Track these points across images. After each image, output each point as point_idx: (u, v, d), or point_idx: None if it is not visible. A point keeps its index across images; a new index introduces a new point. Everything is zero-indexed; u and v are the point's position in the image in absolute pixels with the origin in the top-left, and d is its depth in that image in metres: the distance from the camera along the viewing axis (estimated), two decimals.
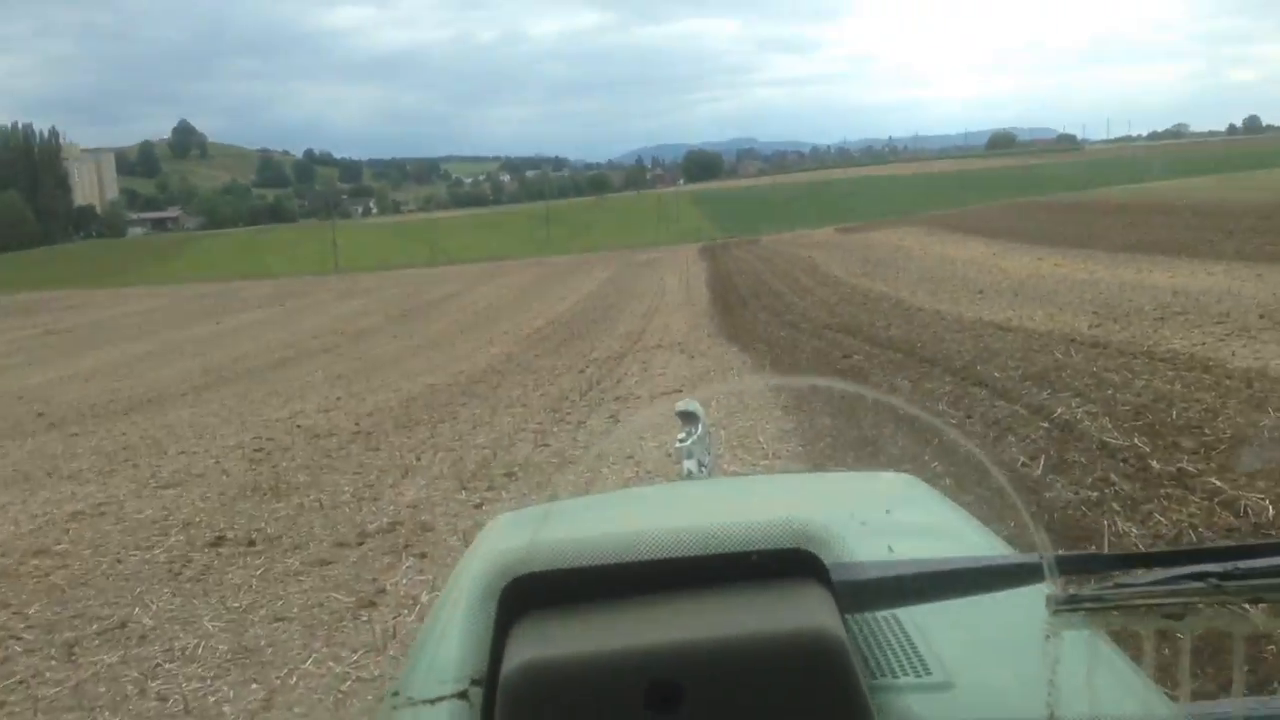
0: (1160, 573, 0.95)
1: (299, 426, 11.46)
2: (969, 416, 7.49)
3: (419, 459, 8.56)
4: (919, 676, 1.11)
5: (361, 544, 6.20)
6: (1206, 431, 5.92)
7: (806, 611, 0.93)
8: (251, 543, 6.40)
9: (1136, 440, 5.93)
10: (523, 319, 25.94)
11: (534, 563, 1.02)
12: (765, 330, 17.11)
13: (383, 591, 5.31)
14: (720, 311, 21.77)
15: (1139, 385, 7.54)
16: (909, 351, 11.57)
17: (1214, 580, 0.90)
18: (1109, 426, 6.31)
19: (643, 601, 0.98)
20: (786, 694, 0.87)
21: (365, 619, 4.94)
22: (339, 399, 14.49)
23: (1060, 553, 0.98)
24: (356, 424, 11.16)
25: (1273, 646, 3.35)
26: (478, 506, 6.68)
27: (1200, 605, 0.91)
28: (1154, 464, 5.47)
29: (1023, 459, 6.05)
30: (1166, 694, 1.07)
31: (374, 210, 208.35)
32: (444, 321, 27.83)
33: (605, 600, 0.99)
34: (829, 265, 29.51)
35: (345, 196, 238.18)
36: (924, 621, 1.19)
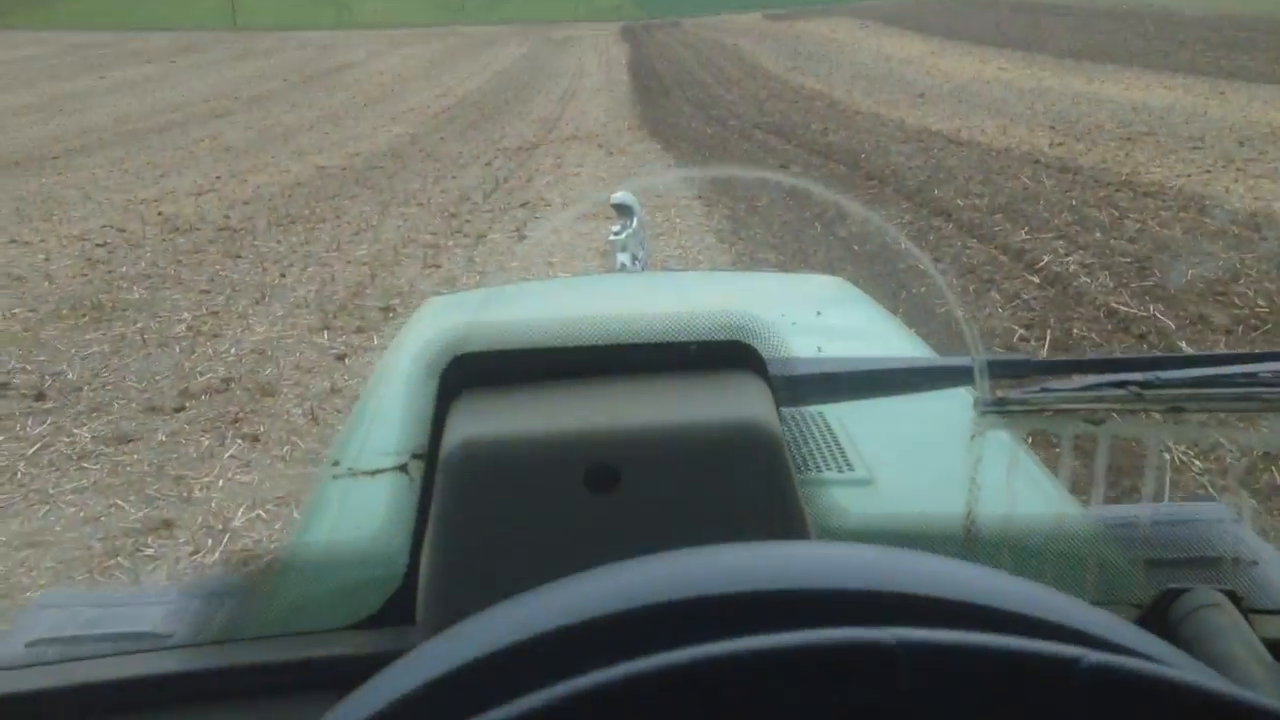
0: (1084, 379, 0.97)
1: (160, 214, 9.94)
2: (938, 259, 6.36)
3: (283, 275, 7.19)
4: (842, 472, 1.18)
5: (180, 410, 4.83)
6: (1237, 301, 4.92)
7: (744, 402, 0.93)
8: (40, 395, 5.04)
9: (1154, 310, 4.92)
10: (431, 95, 23.98)
11: (476, 342, 0.99)
12: (690, 126, 15.70)
13: (187, 500, 3.99)
14: (641, 100, 20.14)
15: (1131, 228, 6.51)
16: (852, 164, 10.38)
17: (1135, 389, 0.91)
18: (1111, 286, 5.31)
19: (584, 385, 0.97)
20: (722, 481, 0.87)
21: (151, 550, 3.64)
22: (218, 178, 12.96)
23: (990, 356, 0.99)
24: (226, 216, 9.68)
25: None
26: (339, 358, 5.39)
27: (1120, 411, 0.92)
28: (1185, 348, 4.42)
29: (1019, 329, 5.00)
30: (1080, 499, 1.13)
31: None
32: (347, 92, 25.61)
33: (546, 382, 0.97)
34: (756, 55, 27.71)
35: None
36: (850, 421, 1.24)
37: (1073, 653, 0.42)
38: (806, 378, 1.02)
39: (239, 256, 7.90)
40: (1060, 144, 10.72)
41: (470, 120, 19.07)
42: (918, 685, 0.42)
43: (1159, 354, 1.66)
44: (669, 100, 19.73)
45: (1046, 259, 5.93)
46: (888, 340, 1.71)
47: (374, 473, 1.03)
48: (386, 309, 6.36)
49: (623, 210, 3.40)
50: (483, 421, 0.91)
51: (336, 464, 1.20)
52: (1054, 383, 0.98)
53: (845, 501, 1.02)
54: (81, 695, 0.87)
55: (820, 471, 1.14)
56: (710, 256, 7.17)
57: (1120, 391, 0.92)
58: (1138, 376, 0.93)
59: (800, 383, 1.01)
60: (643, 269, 3.47)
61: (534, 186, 10.94)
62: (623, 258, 3.37)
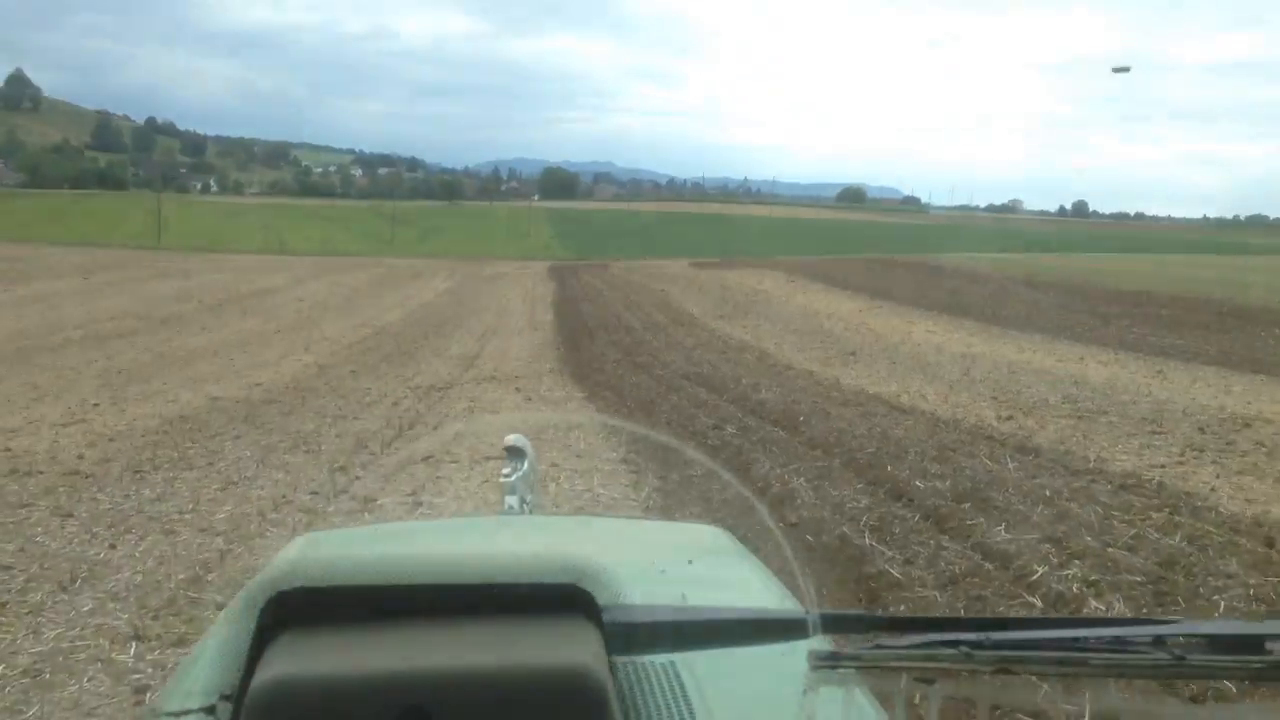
0: (917, 637, 0.98)
1: (8, 450, 8.71)
2: (909, 561, 5.33)
3: (113, 546, 5.87)
4: None
5: None
6: None
7: (570, 648, 0.91)
8: None
9: None
10: (348, 325, 23.30)
11: (299, 578, 0.96)
12: (615, 372, 14.99)
13: None
14: (565, 342, 19.57)
15: (1125, 533, 5.61)
16: (792, 428, 9.56)
17: (966, 648, 0.93)
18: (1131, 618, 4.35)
19: (407, 626, 0.94)
20: None
21: None
22: (95, 405, 11.92)
23: (825, 611, 1.04)
24: (80, 456, 8.46)
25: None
26: (139, 691, 3.98)
27: (950, 670, 0.93)
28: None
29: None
30: None
31: (214, 189, 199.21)
32: (262, 317, 24.85)
33: (369, 622, 0.95)
34: (684, 302, 27.66)
35: (185, 170, 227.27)
36: (703, 673, 1.21)
37: None
38: (642, 625, 1.00)
39: (70, 515, 6.59)
40: (1008, 417, 10.07)
41: (385, 353, 18.26)
42: None
43: (990, 616, 1.43)
44: (593, 344, 19.16)
45: (1040, 571, 4.96)
46: (756, 591, 1.67)
47: (179, 714, 0.97)
48: (220, 602, 4.92)
49: (514, 453, 3.39)
50: (296, 661, 0.87)
51: (153, 711, 1.07)
52: (887, 639, 1.00)
53: None
54: None
55: None
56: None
57: (951, 651, 0.93)
58: (969, 636, 0.95)
59: (635, 630, 1.00)
60: (530, 511, 3.42)
61: (441, 435, 9.93)
62: (510, 500, 3.31)
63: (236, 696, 0.90)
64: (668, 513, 7.02)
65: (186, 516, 6.55)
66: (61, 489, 7.19)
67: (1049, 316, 21.15)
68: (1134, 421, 9.72)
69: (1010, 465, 7.52)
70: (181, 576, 5.28)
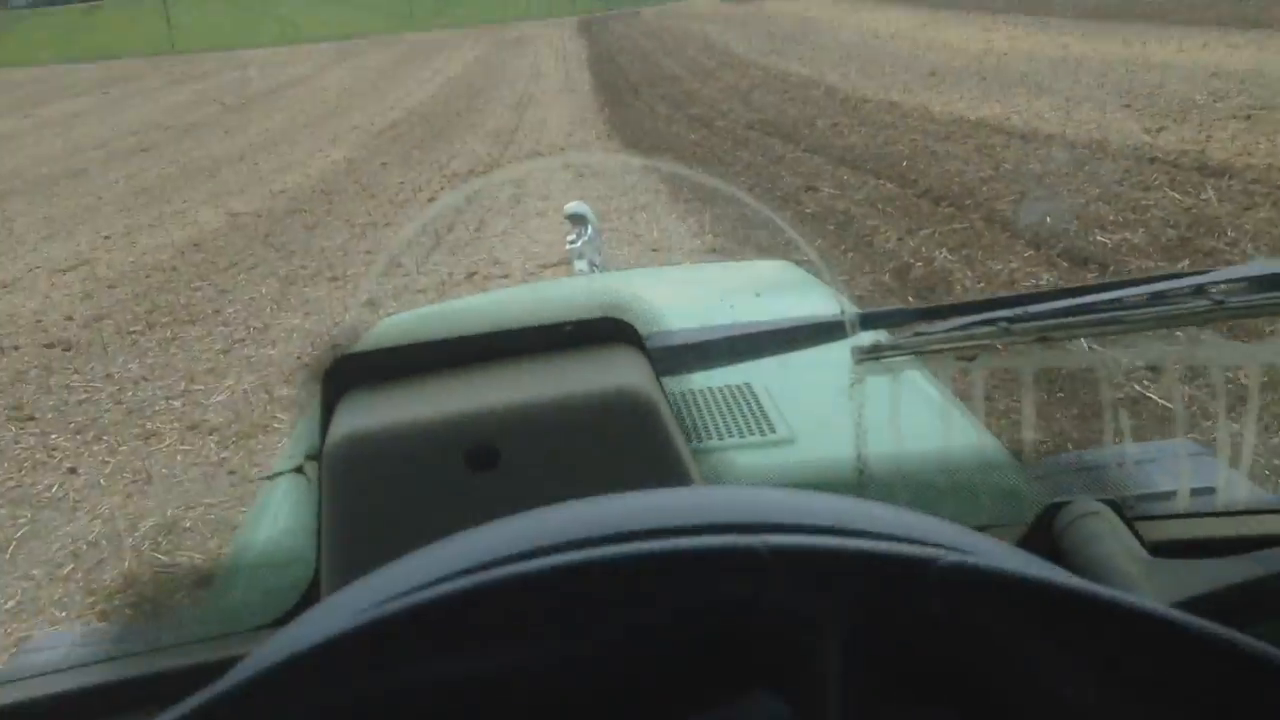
0: (956, 320, 1.00)
1: None
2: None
3: (73, 471, 4.45)
4: (744, 436, 1.24)
5: None
6: None
7: (618, 372, 0.95)
8: None
9: None
10: (376, 110, 21.51)
11: (355, 342, 1.02)
12: (670, 131, 13.32)
13: None
14: (609, 102, 17.73)
15: None
16: (900, 178, 7.98)
17: (1004, 324, 0.95)
18: None
19: (463, 373, 0.98)
20: (598, 449, 0.90)
21: None
22: (106, 239, 10.71)
23: (866, 310, 1.05)
24: (69, 316, 7.15)
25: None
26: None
27: (992, 346, 0.96)
28: None
29: None
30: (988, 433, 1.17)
31: None
32: (287, 113, 23.07)
33: (426, 375, 0.99)
34: (727, 41, 25.27)
35: None
36: (755, 381, 1.32)
37: (930, 553, 0.44)
38: (684, 347, 1.05)
39: (30, 419, 5.16)
40: (1159, 129, 8.34)
41: (416, 139, 16.65)
42: (784, 587, 0.45)
43: (1029, 291, 1.08)
44: (639, 100, 17.31)
45: None
46: (822, 311, 1.40)
47: (271, 477, 1.19)
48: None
49: (577, 220, 3.39)
50: (363, 416, 0.92)
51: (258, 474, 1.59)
52: (925, 326, 1.02)
53: (743, 461, 1.17)
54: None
55: (721, 438, 1.18)
56: None
57: (989, 328, 0.95)
58: (1006, 313, 0.96)
59: (679, 353, 1.04)
60: (601, 274, 3.33)
61: (485, 237, 8.51)
62: (580, 265, 3.32)
63: (318, 455, 0.92)
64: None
65: (175, 404, 5.20)
66: (34, 372, 5.91)
67: (1140, 2, 18.71)
68: None
69: (1209, 193, 5.94)
70: (151, 524, 3.89)
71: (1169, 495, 1.02)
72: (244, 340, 6.12)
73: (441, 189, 11.59)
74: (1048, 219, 5.95)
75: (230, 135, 19.91)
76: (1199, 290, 0.93)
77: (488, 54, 34.70)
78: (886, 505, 0.52)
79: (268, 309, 6.77)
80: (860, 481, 1.00)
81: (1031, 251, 5.46)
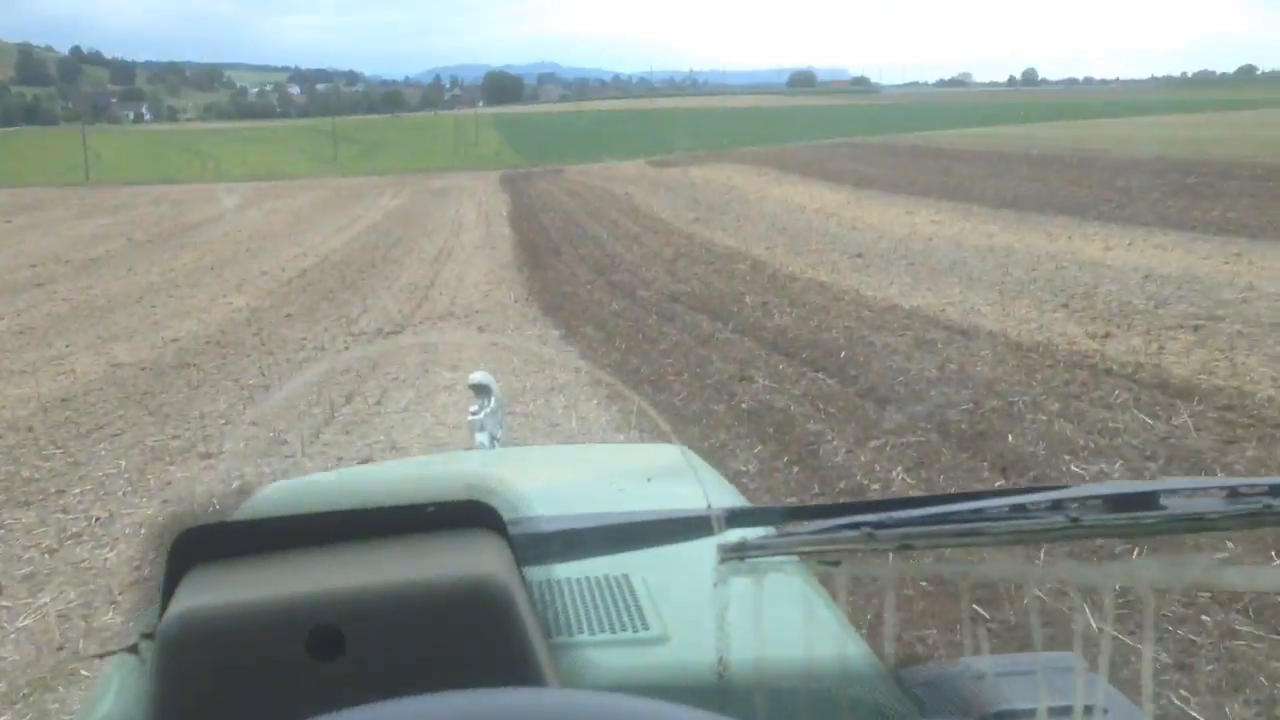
0: (821, 523, 0.99)
1: None
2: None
3: None
4: (613, 632, 1.20)
5: None
6: None
7: (474, 559, 0.92)
8: None
9: None
10: (289, 254, 20.94)
11: (205, 514, 0.99)
12: (591, 297, 12.82)
13: None
14: (528, 262, 17.31)
15: None
16: (838, 371, 7.46)
17: (868, 529, 0.94)
18: None
19: (314, 553, 0.94)
20: (449, 640, 0.86)
21: None
22: None
23: (732, 507, 1.07)
24: None
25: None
26: None
27: (855, 552, 0.94)
28: None
29: None
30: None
31: (147, 117, 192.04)
32: (196, 252, 22.35)
33: (275, 551, 0.94)
34: (651, 205, 25.30)
35: (115, 100, 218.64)
36: (619, 576, 1.29)
37: None
38: (549, 535, 1.03)
39: None
40: (1105, 335, 7.99)
41: (326, 288, 15.98)
42: None
43: (892, 498, 1.21)
44: (560, 261, 16.91)
45: None
46: (709, 501, 1.36)
47: (102, 655, 1.01)
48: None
49: (480, 390, 3.37)
50: (203, 594, 0.88)
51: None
52: (792, 527, 1.02)
53: (607, 660, 1.12)
54: None
55: (592, 632, 1.16)
56: None
57: (854, 533, 0.94)
58: (871, 517, 0.96)
59: (545, 540, 1.02)
60: (498, 447, 3.32)
61: (386, 411, 7.73)
62: (480, 437, 3.31)
63: (155, 633, 0.88)
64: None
65: None
66: None
67: (1063, 195, 19.07)
68: (1265, 328, 7.69)
69: (1184, 417, 5.45)
70: None
71: (1029, 713, 1.02)
72: (80, 535, 5.14)
73: (345, 348, 10.85)
74: (1009, 437, 5.41)
75: (133, 273, 19.03)
76: (1057, 505, 0.96)
77: (409, 203, 34.49)
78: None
79: (120, 492, 5.85)
80: (720, 686, 0.99)
81: (1000, 480, 4.87)
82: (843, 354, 7.89)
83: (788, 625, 1.14)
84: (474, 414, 3.43)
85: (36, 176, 63.83)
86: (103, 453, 6.78)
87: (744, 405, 6.57)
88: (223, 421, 7.64)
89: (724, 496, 1.74)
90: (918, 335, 8.45)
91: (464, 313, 12.89)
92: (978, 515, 0.96)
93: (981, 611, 3.61)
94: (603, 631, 1.20)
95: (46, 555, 4.85)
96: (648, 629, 1.22)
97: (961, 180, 23.46)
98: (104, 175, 64.58)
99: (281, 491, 1.89)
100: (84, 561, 4.71)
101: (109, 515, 5.37)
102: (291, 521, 0.96)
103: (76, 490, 5.90)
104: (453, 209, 30.26)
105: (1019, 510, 0.97)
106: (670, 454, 2.21)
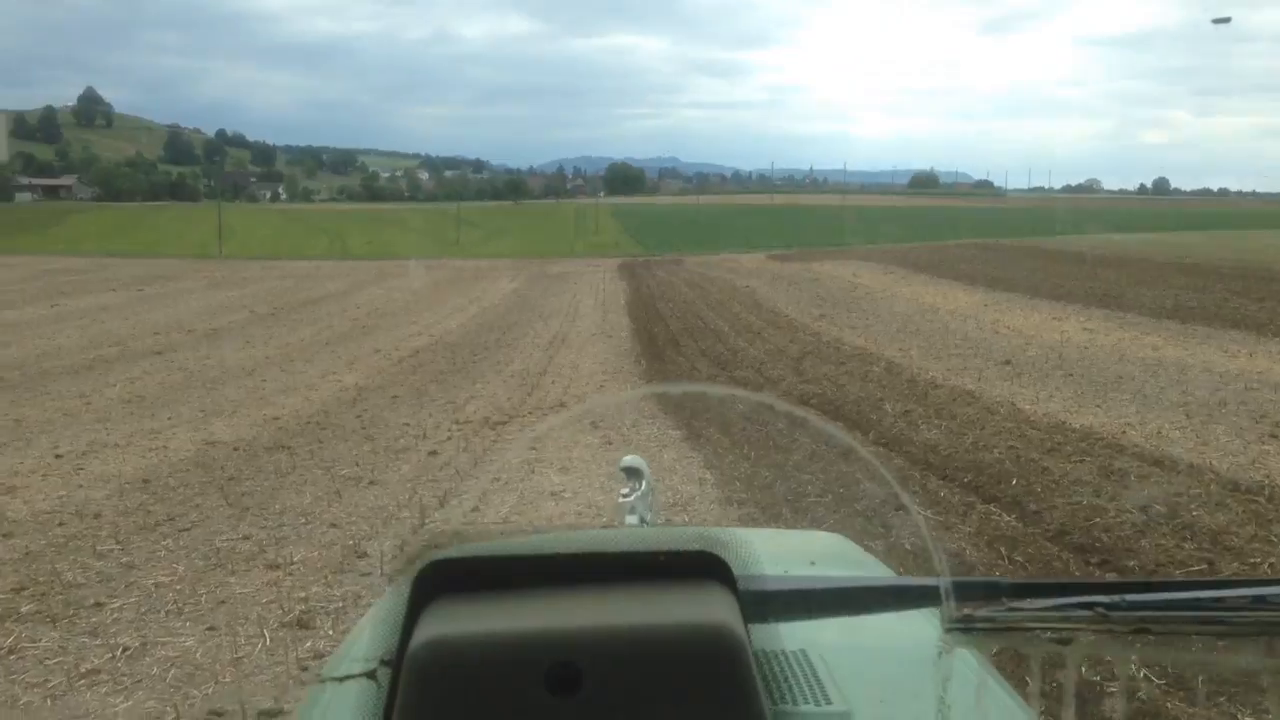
0: (1051, 600, 0.97)
1: None
2: None
3: None
4: (819, 705, 1.15)
5: None
6: None
7: (709, 609, 0.93)
8: None
9: None
10: (404, 334, 20.55)
11: (451, 548, 1.00)
12: (715, 399, 11.82)
13: None
14: (646, 352, 16.46)
15: None
16: (1016, 507, 6.30)
17: (1101, 609, 0.92)
18: None
19: (551, 592, 0.96)
20: (683, 684, 0.87)
21: None
22: (58, 457, 9.47)
23: (958, 578, 0.99)
24: None
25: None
26: None
27: (1086, 632, 0.92)
28: None
29: None
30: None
31: (283, 196, 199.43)
32: (315, 327, 22.22)
33: (518, 589, 0.97)
34: (774, 300, 24.33)
35: (254, 180, 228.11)
36: (829, 653, 1.23)
37: None
38: (775, 594, 1.02)
39: None
40: None
41: (437, 370, 15.36)
42: None
43: (1126, 579, 1.42)
44: (679, 354, 16.00)
45: None
46: None
47: (342, 679, 1.04)
48: None
49: (632, 473, 3.31)
50: (448, 624, 0.91)
51: (319, 676, 1.23)
52: (1020, 603, 0.99)
53: None
54: None
55: (796, 704, 1.13)
56: None
57: (1086, 612, 0.92)
58: (1103, 599, 0.93)
59: (769, 598, 1.01)
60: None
61: (487, 516, 6.83)
62: (631, 520, 3.18)
63: (395, 660, 0.92)
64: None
65: None
66: None
67: (1225, 307, 17.54)
68: None
69: None
70: None
71: None
72: (97, 673, 4.26)
73: (447, 440, 10.05)
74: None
75: (250, 345, 18.79)
76: None
77: (527, 286, 34.19)
78: None
79: (164, 610, 4.98)
80: None
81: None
82: (1014, 481, 6.72)
83: (1009, 704, 1.17)
84: (625, 496, 3.32)
85: (174, 249, 66.07)
86: (162, 553, 5.98)
87: (906, 545, 5.46)
88: (303, 521, 6.82)
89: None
90: (1101, 463, 7.23)
91: (575, 402, 12.04)
92: (1218, 604, 0.91)
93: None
94: (825, 703, 1.12)
95: (48, 700, 3.97)
96: (840, 701, 1.14)
97: (1110, 287, 21.97)
98: (237, 250, 66.49)
99: (489, 536, 1.56)
100: (93, 713, 3.81)
101: (140, 645, 4.49)
102: (532, 561, 0.97)
103: (116, 604, 5.07)
104: (569, 295, 29.77)
105: (1260, 602, 0.90)
106: (832, 541, 2.15)
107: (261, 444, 10.03)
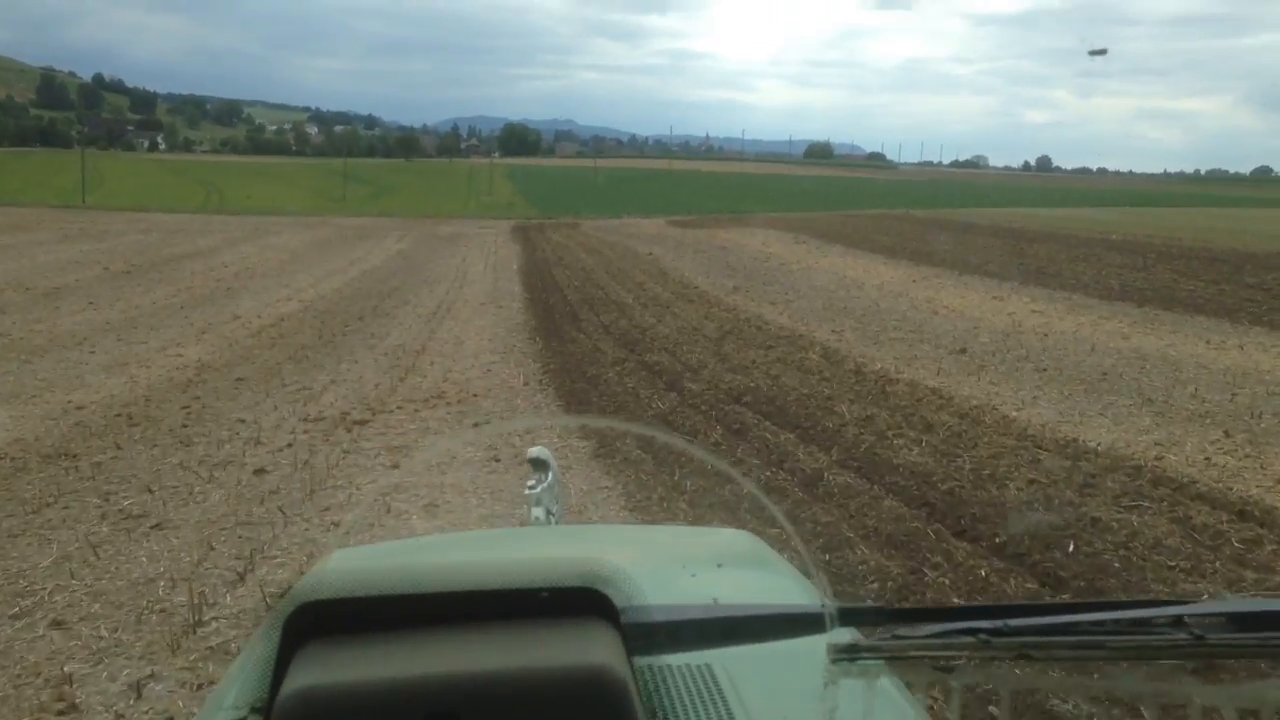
0: (935, 627, 0.97)
1: None
2: None
3: None
4: None
5: None
6: None
7: (588, 648, 0.92)
8: None
9: None
10: (271, 298, 18.03)
11: (321, 591, 0.97)
12: (625, 387, 9.81)
13: None
14: (541, 328, 14.30)
15: None
16: (1044, 573, 4.35)
17: (984, 635, 0.92)
18: None
19: (428, 633, 0.96)
20: None
21: None
22: None
23: (844, 604, 1.02)
24: None
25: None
26: None
27: (969, 659, 0.93)
28: None
29: None
30: None
31: (162, 146, 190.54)
32: (172, 287, 19.47)
33: (391, 631, 0.96)
34: (681, 269, 22.29)
35: (132, 128, 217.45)
36: (726, 670, 1.21)
37: None
38: (659, 625, 1.01)
39: None
40: None
41: (298, 344, 12.97)
42: None
43: (1009, 603, 1.45)
44: (579, 330, 13.89)
45: None
46: (786, 592, 1.64)
47: None
48: None
49: (538, 464, 3.15)
50: (320, 671, 0.87)
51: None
52: (905, 630, 0.99)
53: None
54: None
55: None
56: None
57: (969, 639, 0.92)
58: (986, 624, 0.93)
59: (655, 630, 1.01)
60: (556, 523, 3.16)
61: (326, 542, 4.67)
62: (537, 512, 3.08)
63: (265, 709, 0.88)
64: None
65: None
66: None
67: (1179, 289, 16.09)
68: None
69: None
70: None
71: None
72: None
73: (288, 444, 7.82)
74: None
75: (93, 307, 16.08)
76: (1178, 621, 0.91)
77: (414, 248, 31.43)
78: None
79: None
80: None
81: None
82: (1070, 546, 4.80)
83: None
84: (531, 488, 3.06)
85: (35, 197, 61.04)
86: None
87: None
88: (11, 614, 4.52)
89: (795, 586, 1.69)
90: (1173, 514, 5.35)
91: (458, 395, 9.85)
92: (1098, 628, 0.92)
93: None
94: None
95: None
96: None
97: (1042, 264, 20.50)
98: (105, 200, 61.75)
99: (352, 563, 1.61)
100: None
101: None
102: (404, 601, 0.95)
103: None
104: (459, 257, 27.29)
105: (1141, 624, 0.91)
106: (740, 540, 2.16)
107: (42, 448, 7.70)
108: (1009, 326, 13.27)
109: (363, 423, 8.69)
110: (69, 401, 9.47)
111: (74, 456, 7.48)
